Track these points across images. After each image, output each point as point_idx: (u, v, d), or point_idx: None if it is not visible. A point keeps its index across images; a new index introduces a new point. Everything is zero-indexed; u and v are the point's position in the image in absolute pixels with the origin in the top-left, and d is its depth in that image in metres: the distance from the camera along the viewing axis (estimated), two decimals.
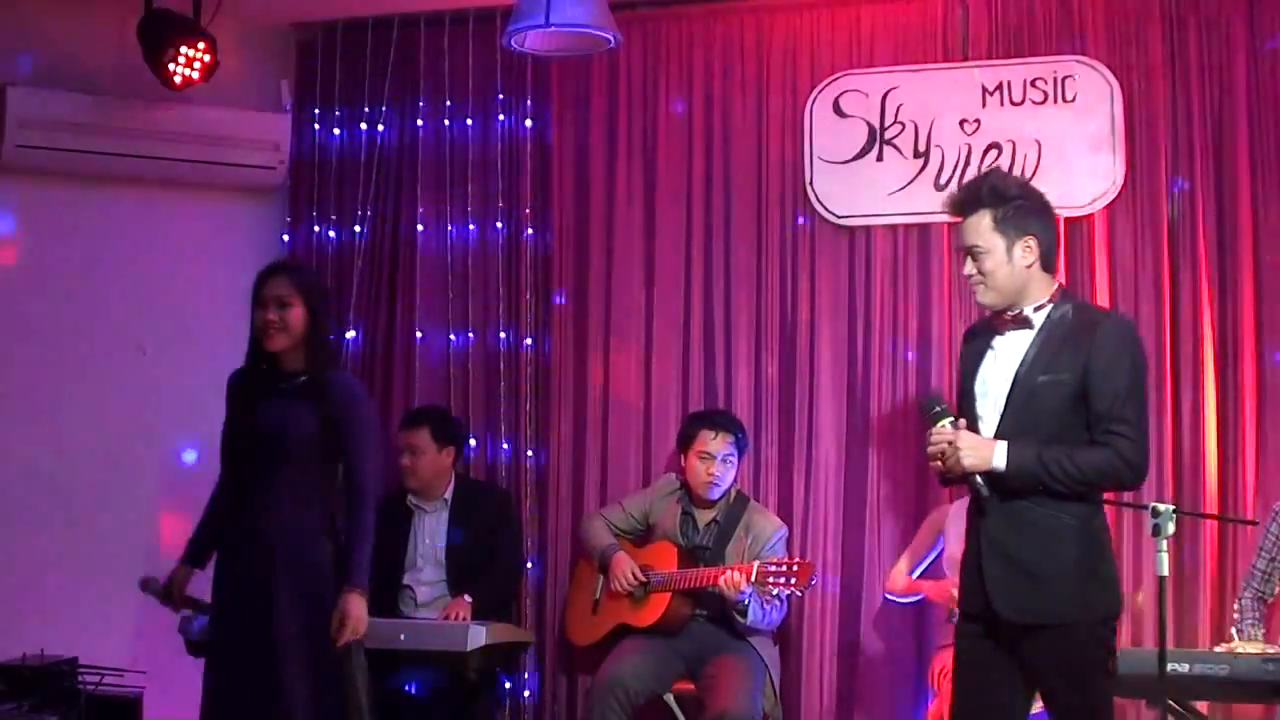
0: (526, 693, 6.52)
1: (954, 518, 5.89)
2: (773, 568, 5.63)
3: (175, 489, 6.75)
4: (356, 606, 4.73)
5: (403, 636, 5.46)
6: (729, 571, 5.70)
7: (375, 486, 4.97)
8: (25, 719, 5.61)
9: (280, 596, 4.75)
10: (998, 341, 4.26)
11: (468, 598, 5.96)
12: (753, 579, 5.65)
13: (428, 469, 6.17)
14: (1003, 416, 4.17)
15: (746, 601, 5.72)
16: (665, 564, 5.99)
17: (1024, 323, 4.21)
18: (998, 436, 4.14)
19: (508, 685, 6.45)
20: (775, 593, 5.77)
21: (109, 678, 5.83)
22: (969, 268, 4.22)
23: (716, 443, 6.01)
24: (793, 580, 5.61)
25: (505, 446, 6.65)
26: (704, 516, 6.09)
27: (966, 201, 4.25)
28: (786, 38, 6.50)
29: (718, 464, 6.00)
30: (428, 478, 6.19)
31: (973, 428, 4.19)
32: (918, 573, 6.02)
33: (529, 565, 6.54)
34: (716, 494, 6.03)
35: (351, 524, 4.82)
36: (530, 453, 6.64)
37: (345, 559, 4.80)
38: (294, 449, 4.81)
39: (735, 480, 6.11)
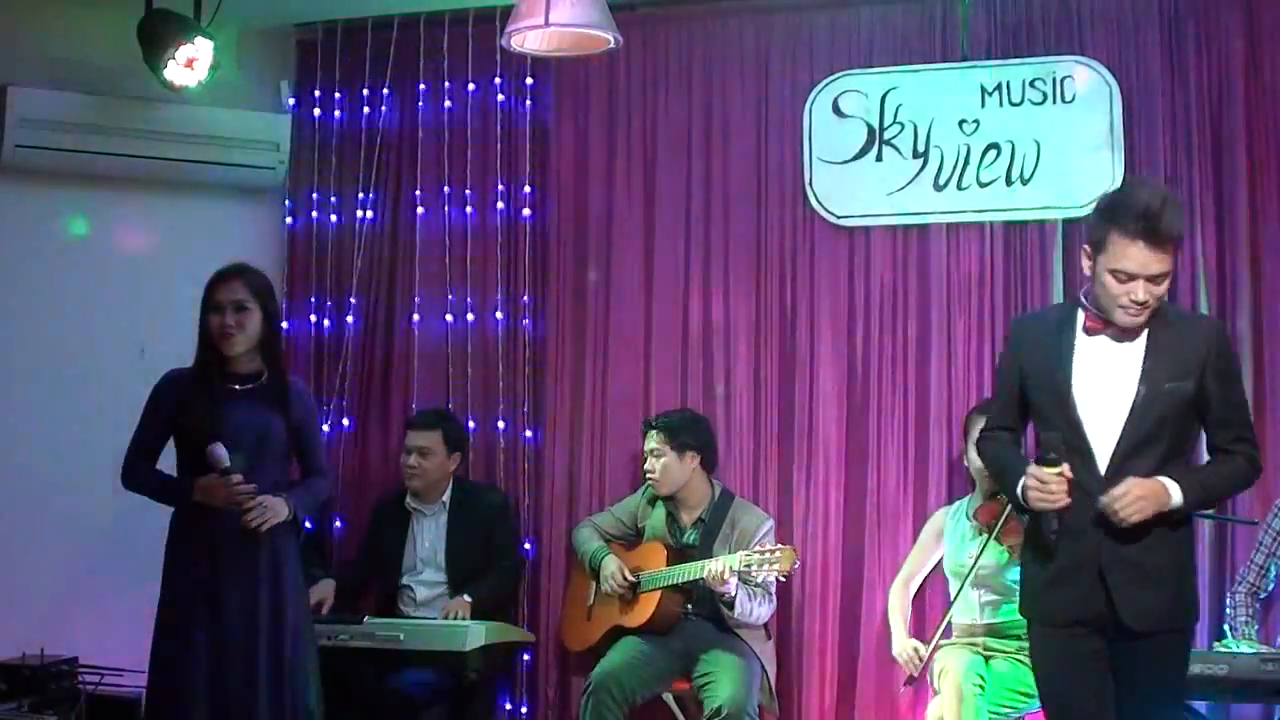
0: (524, 692, 6.52)
1: (951, 525, 5.90)
2: (756, 554, 5.64)
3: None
4: (277, 505, 4.92)
5: (401, 636, 5.47)
6: (713, 561, 5.71)
7: (327, 472, 5.33)
8: (25, 719, 5.61)
9: (262, 592, 4.89)
10: (1089, 344, 4.17)
11: (467, 597, 5.97)
12: (736, 567, 5.65)
13: (435, 471, 6.20)
14: (1124, 428, 4.09)
15: (733, 592, 5.73)
16: (654, 564, 6.01)
17: (1134, 332, 4.14)
18: (1120, 446, 4.08)
19: (506, 685, 6.45)
20: (760, 579, 5.77)
21: (109, 677, 5.84)
22: (1144, 295, 4.05)
23: (647, 441, 6.09)
24: (774, 565, 5.62)
25: (502, 425, 6.66)
26: (689, 516, 6.10)
27: (1170, 234, 4.06)
28: (785, 38, 6.50)
29: (650, 460, 6.05)
30: (433, 480, 6.22)
31: (1061, 449, 4.10)
32: (917, 583, 6.03)
33: (526, 547, 6.54)
34: (662, 490, 6.08)
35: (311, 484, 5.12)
36: (528, 433, 6.65)
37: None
38: (272, 450, 4.98)
39: (687, 478, 6.09)
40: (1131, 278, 4.04)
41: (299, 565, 5.06)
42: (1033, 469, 4.12)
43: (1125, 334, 4.13)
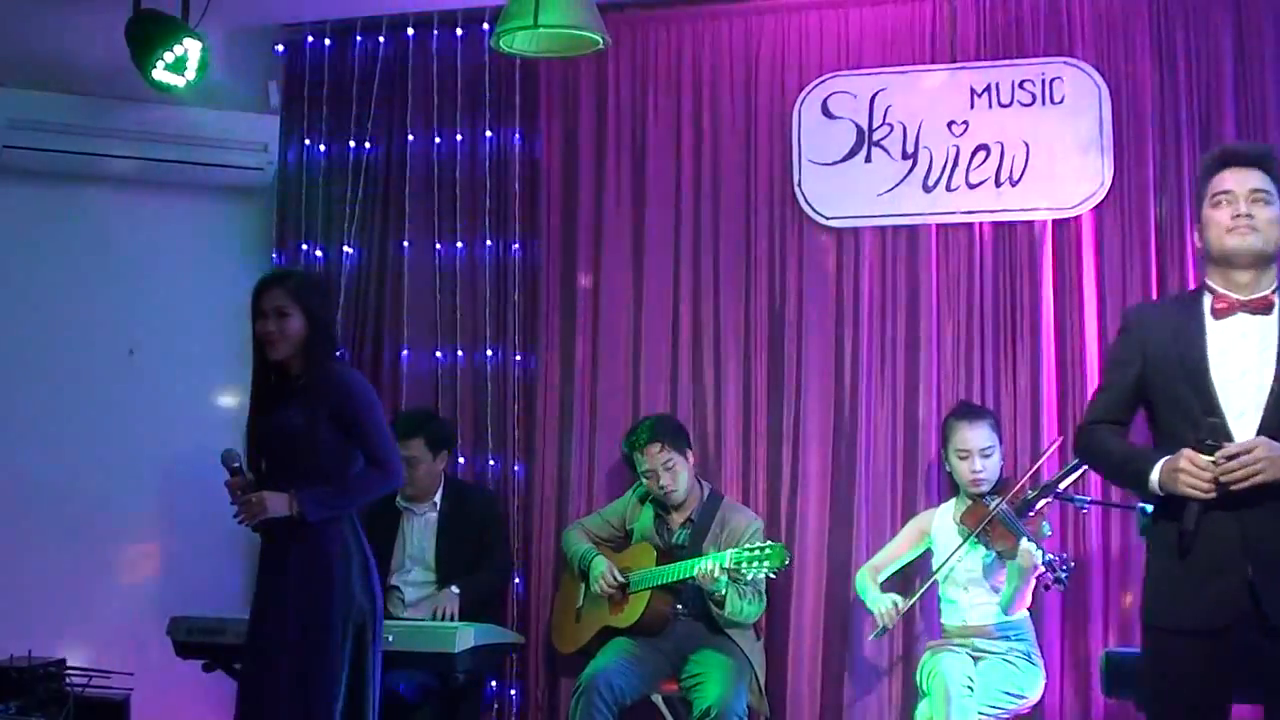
0: (514, 693, 6.51)
1: (940, 526, 5.89)
2: (746, 552, 5.64)
3: (164, 491, 6.77)
4: (273, 501, 4.84)
5: (390, 638, 5.45)
6: (704, 561, 5.71)
7: (398, 469, 5.05)
8: None
9: (289, 597, 4.83)
10: (1219, 328, 4.08)
11: (455, 589, 5.96)
12: (727, 565, 5.65)
13: (424, 478, 6.19)
14: (1265, 412, 3.96)
15: (724, 591, 5.73)
16: (644, 565, 6.01)
17: (1265, 307, 4.06)
18: (1263, 429, 3.93)
19: (495, 686, 6.45)
20: (750, 577, 5.77)
21: (96, 679, 5.83)
22: (1245, 206, 4.03)
23: (650, 457, 6.01)
24: (765, 563, 5.62)
25: (492, 463, 6.63)
26: (678, 517, 6.10)
27: (1254, 155, 4.12)
28: (774, 39, 6.50)
29: (661, 474, 6.00)
30: (424, 485, 6.21)
31: (1226, 430, 3.97)
32: (886, 573, 5.98)
33: (515, 570, 6.52)
34: (678, 498, 6.05)
35: (354, 480, 4.94)
36: (517, 467, 6.62)
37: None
38: (294, 450, 4.92)
39: (693, 477, 6.10)
40: (1228, 197, 4.06)
41: (341, 570, 4.87)
42: (1188, 452, 3.93)
43: (1256, 313, 4.05)
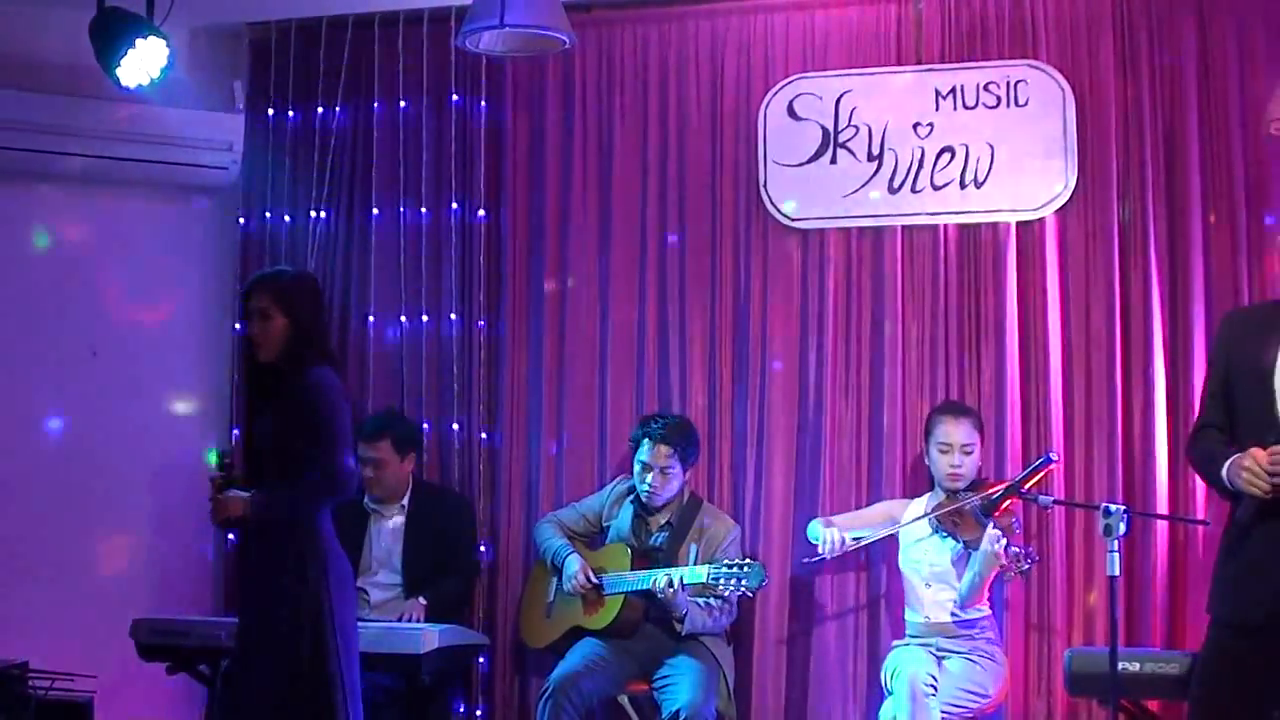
0: (479, 695, 6.50)
1: (910, 518, 5.90)
2: (725, 568, 5.64)
3: (126, 491, 6.73)
4: (233, 503, 4.84)
5: None
6: (661, 574, 5.73)
7: (346, 479, 4.96)
8: None
9: (250, 604, 4.86)
10: None
11: (422, 600, 5.96)
12: (704, 580, 5.66)
13: (391, 479, 6.19)
14: None
15: (684, 609, 5.74)
16: (618, 566, 5.99)
17: None
18: None
19: (462, 688, 6.43)
20: (726, 594, 5.78)
21: (59, 683, 5.79)
22: None
23: (656, 454, 6.00)
24: (743, 581, 5.63)
25: (457, 427, 6.62)
26: (657, 519, 6.09)
27: None
28: (740, 41, 6.51)
29: (656, 474, 6.00)
30: (391, 487, 6.20)
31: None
32: (850, 536, 5.87)
33: (481, 549, 6.51)
34: (659, 501, 6.05)
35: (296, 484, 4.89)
36: (484, 435, 6.62)
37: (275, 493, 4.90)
38: (265, 456, 4.94)
39: (685, 484, 6.11)
40: None
41: (292, 571, 4.83)
42: (1255, 450, 4.03)
43: None
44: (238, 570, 5.01)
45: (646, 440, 6.02)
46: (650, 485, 5.99)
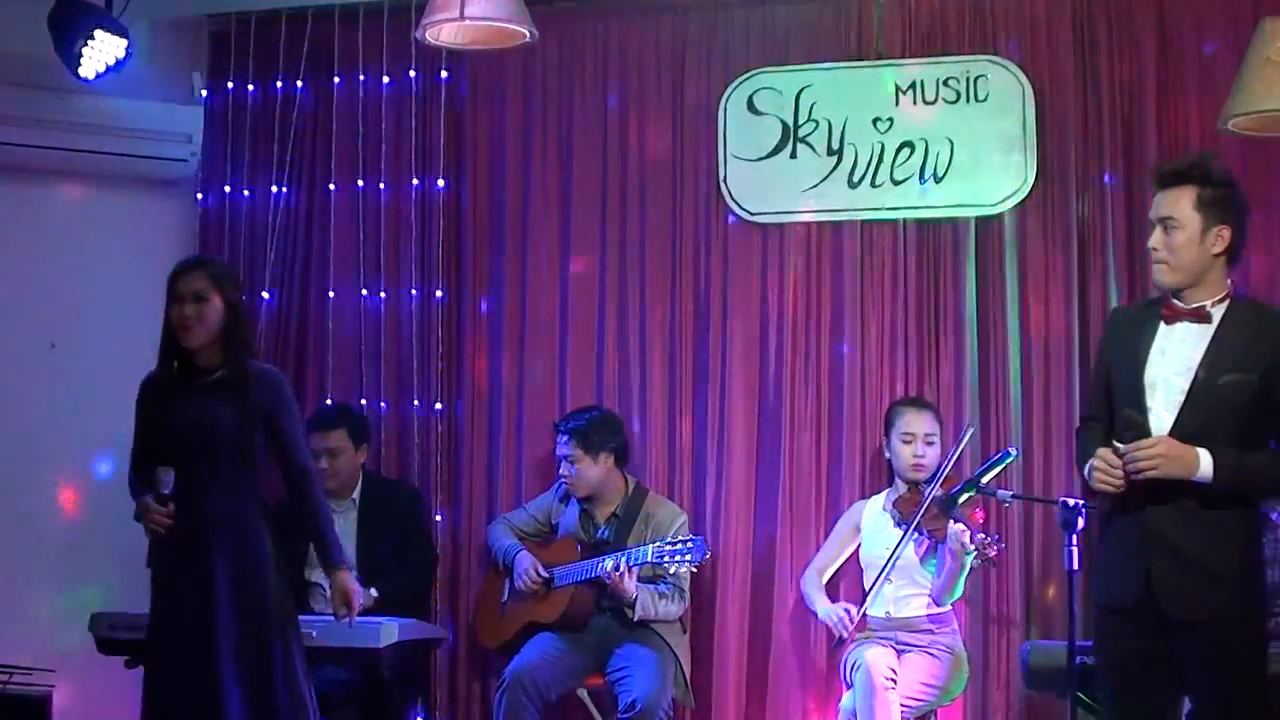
0: (439, 689, 6.50)
1: (870, 517, 5.94)
2: (668, 546, 5.67)
3: (86, 485, 6.71)
4: (351, 582, 4.99)
5: (314, 634, 5.43)
6: (609, 558, 5.76)
7: (314, 467, 5.10)
8: None
9: (220, 592, 4.78)
10: (1166, 332, 4.19)
11: (374, 592, 5.93)
12: (649, 559, 5.71)
13: (346, 469, 6.15)
14: (1180, 414, 4.09)
15: (633, 594, 5.77)
16: (567, 560, 6.01)
17: (1203, 317, 4.15)
18: (1173, 435, 4.06)
19: (421, 683, 6.43)
20: (673, 571, 5.81)
21: (17, 676, 5.77)
22: (1156, 240, 4.14)
23: (561, 446, 6.08)
24: (686, 557, 5.65)
25: (416, 417, 6.61)
26: (603, 512, 6.11)
27: (1174, 174, 4.18)
28: (700, 35, 6.51)
29: (565, 465, 6.06)
30: (346, 478, 6.17)
31: (1141, 422, 4.12)
32: (829, 574, 6.05)
33: (438, 519, 6.53)
34: (579, 493, 6.09)
35: (311, 506, 4.98)
36: (441, 427, 6.61)
37: (320, 542, 5.03)
38: (222, 445, 4.83)
39: (618, 475, 6.12)
40: (1152, 226, 4.19)
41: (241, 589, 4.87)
42: (1103, 450, 4.11)
43: (1199, 322, 4.14)
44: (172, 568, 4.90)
45: (557, 434, 6.10)
46: (561, 475, 6.09)
